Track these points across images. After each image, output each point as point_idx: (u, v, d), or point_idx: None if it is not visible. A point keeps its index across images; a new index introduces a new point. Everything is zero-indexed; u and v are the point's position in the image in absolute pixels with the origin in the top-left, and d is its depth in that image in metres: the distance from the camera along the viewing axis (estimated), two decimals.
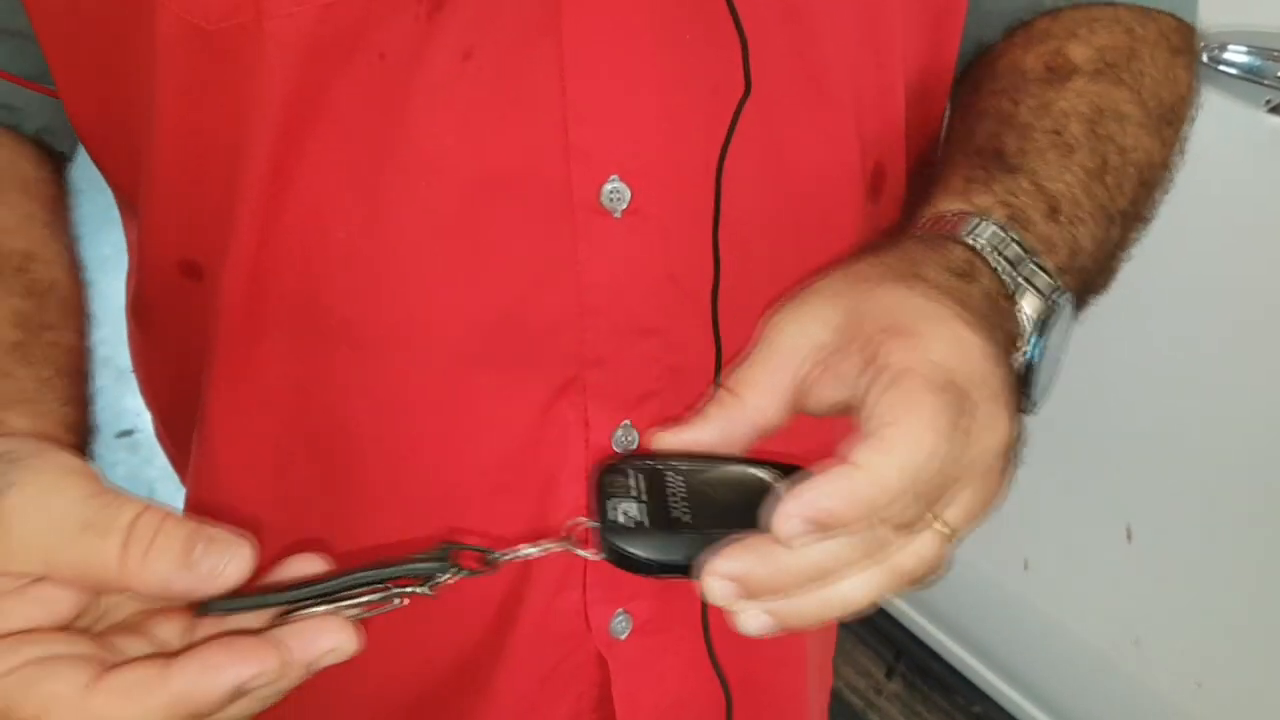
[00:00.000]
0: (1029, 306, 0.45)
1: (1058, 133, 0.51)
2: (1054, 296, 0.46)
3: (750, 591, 0.37)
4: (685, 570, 0.38)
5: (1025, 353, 0.45)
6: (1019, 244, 0.46)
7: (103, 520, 0.35)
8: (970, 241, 0.45)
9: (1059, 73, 0.54)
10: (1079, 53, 0.55)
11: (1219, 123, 1.00)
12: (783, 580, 0.37)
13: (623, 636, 0.57)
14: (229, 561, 0.36)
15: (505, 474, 0.52)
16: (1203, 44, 1.01)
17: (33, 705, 0.34)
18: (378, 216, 0.48)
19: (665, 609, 0.57)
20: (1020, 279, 0.45)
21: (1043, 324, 0.45)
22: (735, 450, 0.41)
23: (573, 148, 0.47)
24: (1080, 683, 1.33)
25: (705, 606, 0.56)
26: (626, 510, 0.39)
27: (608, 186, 0.48)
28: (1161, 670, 1.22)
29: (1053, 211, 0.48)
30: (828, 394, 0.40)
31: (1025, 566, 1.32)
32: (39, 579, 0.36)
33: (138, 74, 0.48)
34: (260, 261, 0.49)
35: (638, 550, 0.38)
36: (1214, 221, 1.03)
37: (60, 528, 0.35)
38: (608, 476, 0.41)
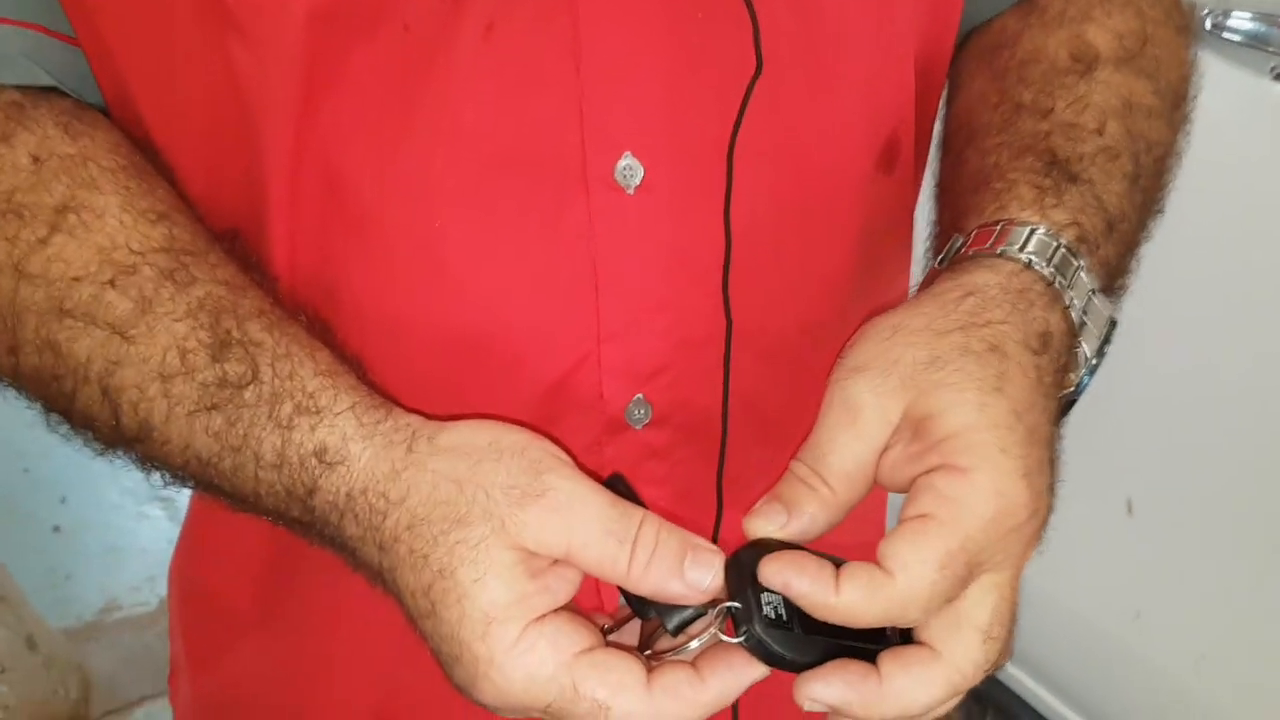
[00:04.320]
0: (1088, 346, 0.48)
1: (1099, 132, 0.52)
2: (1110, 331, 0.48)
3: (838, 714, 0.42)
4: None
5: (1075, 388, 0.48)
6: (1083, 271, 0.48)
7: (620, 529, 0.42)
8: (1046, 274, 0.47)
9: (1084, 61, 0.55)
10: (1100, 39, 0.55)
11: (1224, 91, 1.00)
12: (871, 715, 0.42)
13: None
14: (710, 575, 0.42)
15: None
16: (1206, 11, 1.01)
17: (605, 688, 0.40)
18: (394, 189, 0.48)
19: None
20: (1086, 319, 0.47)
21: (1095, 364, 0.48)
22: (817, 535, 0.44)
23: (587, 124, 0.47)
24: (1080, 656, 1.33)
25: None
26: (775, 606, 0.42)
27: (621, 163, 0.48)
28: (1162, 644, 1.23)
29: (1109, 230, 0.50)
30: (890, 484, 0.44)
31: None
32: (561, 560, 0.42)
33: (163, 41, 0.48)
34: (287, 233, 0.50)
35: (785, 650, 0.42)
36: (1219, 191, 1.01)
37: (587, 528, 0.41)
38: (753, 567, 0.43)
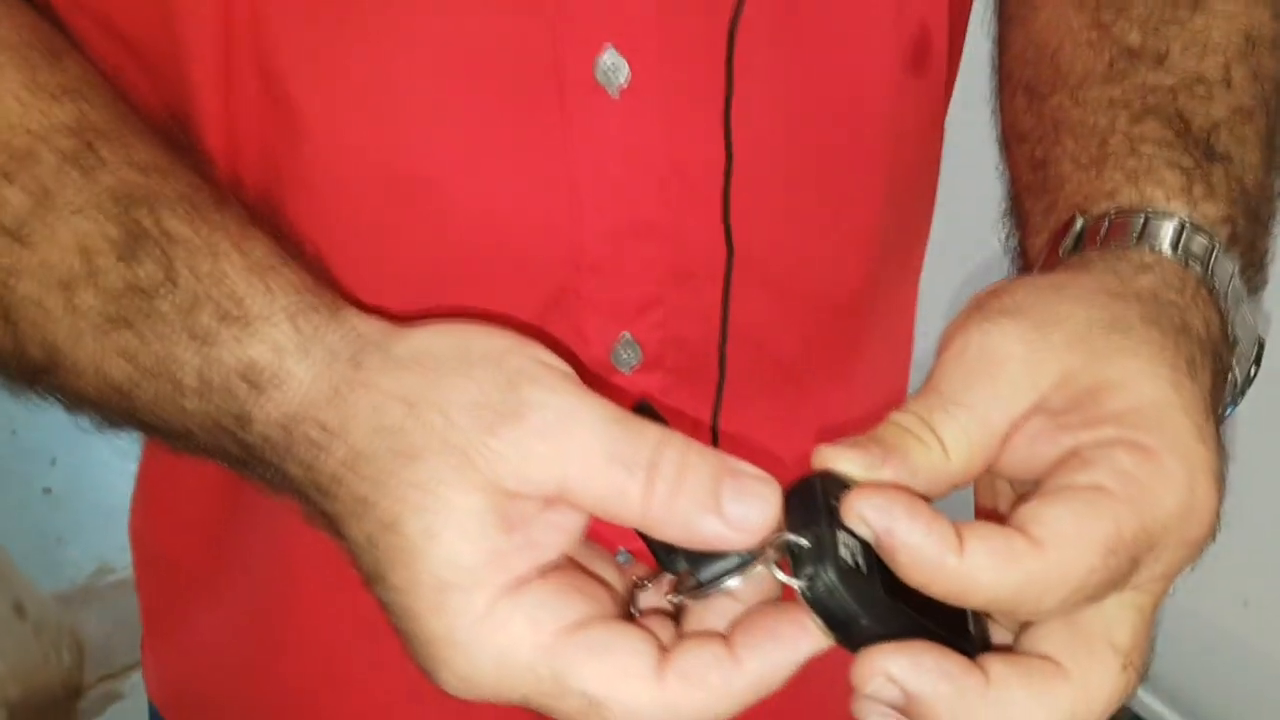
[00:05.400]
0: (1239, 368, 0.40)
1: (1227, 84, 0.44)
2: (1260, 352, 0.41)
3: (907, 713, 0.32)
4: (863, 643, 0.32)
5: (1226, 410, 0.39)
6: (1236, 279, 0.40)
7: (630, 452, 0.32)
8: (1214, 290, 0.39)
9: None
10: None
11: None
12: None
13: None
14: (759, 509, 0.32)
15: None
16: None
17: (599, 679, 0.32)
18: (343, 100, 0.43)
19: None
20: (1238, 334, 0.40)
21: (1244, 388, 0.41)
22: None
23: (561, 12, 0.42)
24: (1185, 648, 1.28)
25: None
26: (854, 553, 0.32)
27: (602, 59, 0.43)
28: (1273, 633, 1.17)
29: (1254, 218, 0.42)
30: (1015, 464, 0.34)
31: None
32: (553, 501, 0.33)
33: None
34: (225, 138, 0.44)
35: (861, 610, 0.31)
36: None
37: (585, 456, 0.32)
38: (831, 496, 0.33)
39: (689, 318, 0.47)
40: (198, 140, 0.44)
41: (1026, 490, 0.34)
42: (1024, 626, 0.34)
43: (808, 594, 0.32)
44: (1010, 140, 0.50)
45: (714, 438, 0.50)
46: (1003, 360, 0.34)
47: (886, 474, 0.32)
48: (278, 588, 0.55)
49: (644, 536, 0.33)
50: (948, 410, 0.33)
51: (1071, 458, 0.33)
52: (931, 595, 0.31)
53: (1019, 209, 0.47)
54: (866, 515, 0.31)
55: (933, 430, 0.33)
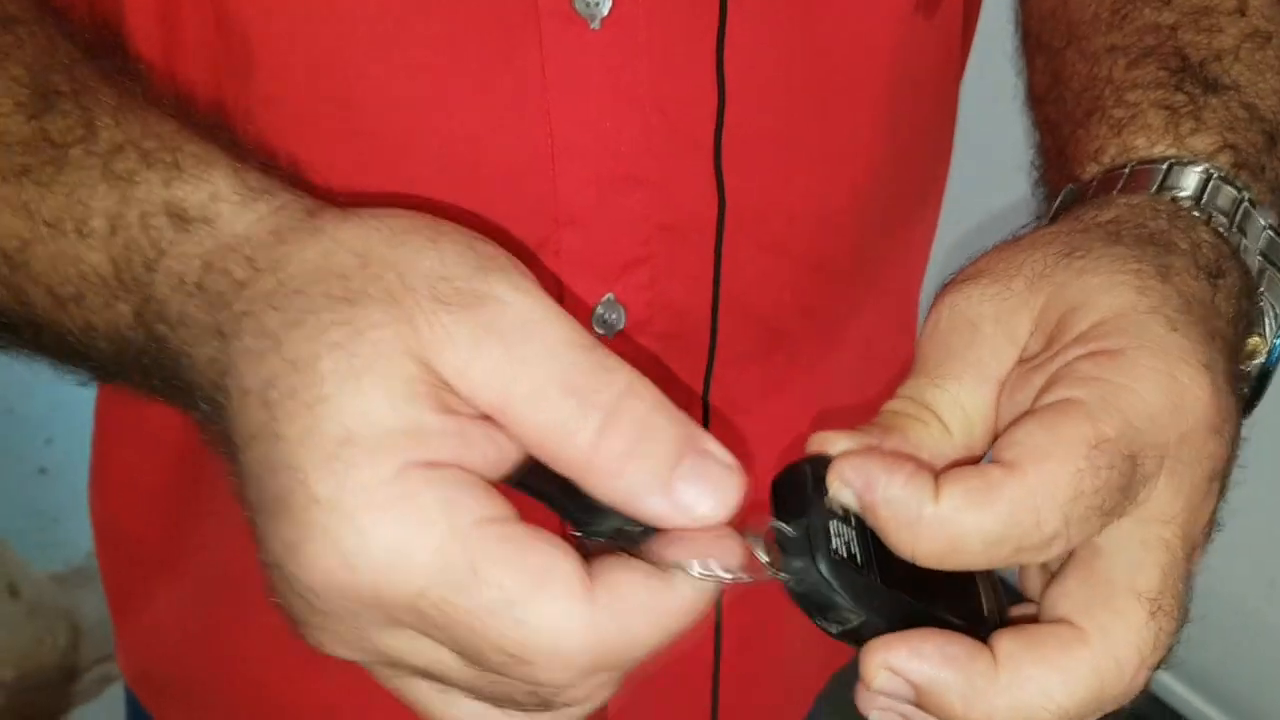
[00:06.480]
0: (1276, 299, 0.36)
1: (1240, 11, 0.42)
2: None
3: (920, 705, 0.30)
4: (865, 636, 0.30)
5: (1265, 358, 0.37)
6: (1250, 204, 0.37)
7: (588, 388, 0.27)
8: (1212, 218, 0.36)
9: None
10: None
11: None
12: (974, 712, 0.29)
13: None
14: (713, 500, 0.27)
15: None
16: None
17: (522, 576, 0.26)
18: (296, 29, 0.39)
19: None
20: (1268, 264, 0.37)
21: None
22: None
23: None
24: (1210, 630, 1.28)
25: None
26: (847, 542, 0.30)
27: None
28: None
29: (1272, 143, 0.39)
30: (1005, 420, 0.32)
31: None
32: (486, 419, 0.28)
33: None
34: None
35: (854, 600, 0.29)
36: None
37: (540, 372, 0.27)
38: (819, 477, 0.31)
39: (678, 276, 0.44)
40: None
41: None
42: (1046, 588, 0.31)
43: (796, 588, 0.29)
44: (1030, 103, 0.47)
45: (705, 410, 0.47)
46: (975, 323, 0.33)
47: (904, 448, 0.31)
48: (238, 564, 0.51)
49: (557, 481, 0.29)
50: (937, 385, 0.32)
51: (1041, 393, 0.31)
52: (925, 564, 0.29)
53: (1046, 181, 0.45)
54: (846, 474, 0.29)
55: (927, 407, 0.32)
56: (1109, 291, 0.31)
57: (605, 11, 0.39)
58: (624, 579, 0.27)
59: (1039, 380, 0.31)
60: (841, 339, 0.50)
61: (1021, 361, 0.32)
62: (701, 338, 0.45)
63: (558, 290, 0.43)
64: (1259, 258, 0.36)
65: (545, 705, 0.28)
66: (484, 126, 0.40)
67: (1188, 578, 0.31)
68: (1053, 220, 0.38)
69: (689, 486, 0.27)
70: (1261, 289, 0.36)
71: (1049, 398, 0.30)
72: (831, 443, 0.31)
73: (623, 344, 0.45)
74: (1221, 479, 0.31)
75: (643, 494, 0.27)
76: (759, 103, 0.43)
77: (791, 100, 0.44)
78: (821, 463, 0.30)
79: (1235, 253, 0.36)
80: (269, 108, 0.40)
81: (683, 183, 0.43)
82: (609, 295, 0.44)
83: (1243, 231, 0.36)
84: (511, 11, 0.39)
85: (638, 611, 0.27)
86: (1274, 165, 0.39)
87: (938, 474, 0.29)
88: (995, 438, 0.31)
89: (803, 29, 0.43)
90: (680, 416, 0.28)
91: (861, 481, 0.29)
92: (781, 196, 0.45)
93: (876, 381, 0.53)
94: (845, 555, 0.29)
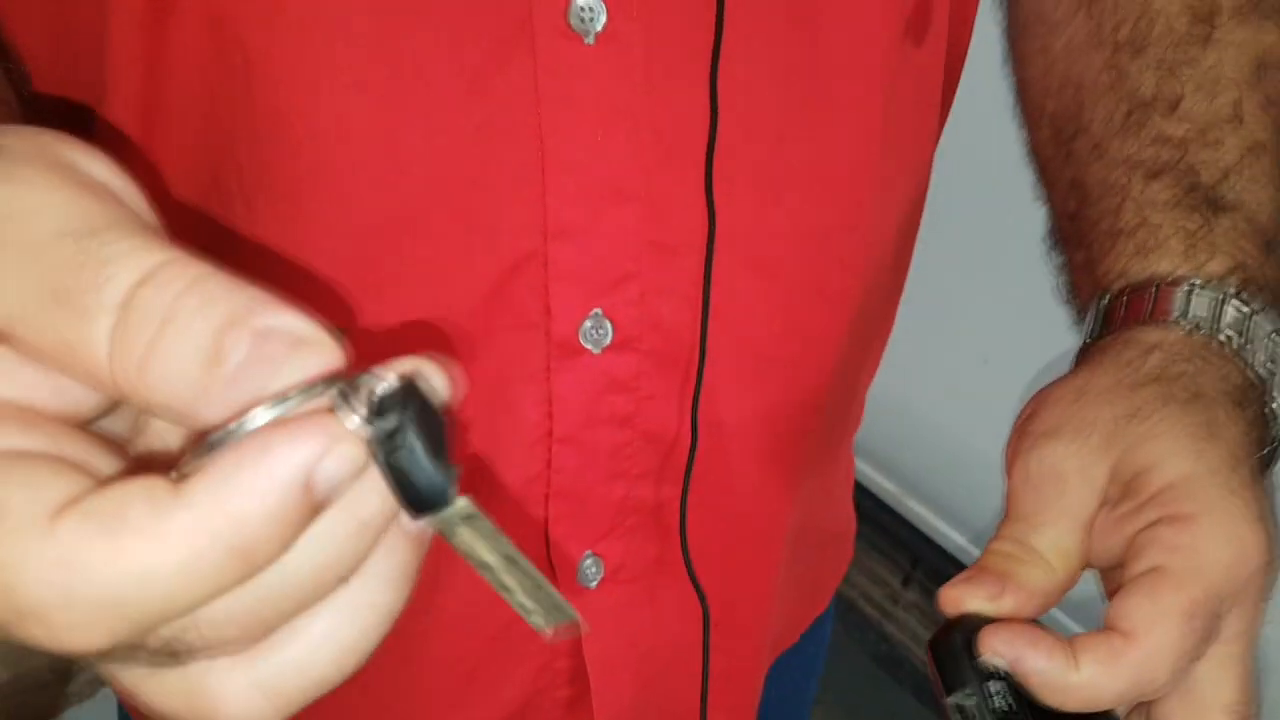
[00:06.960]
0: None
1: (1238, 119, 0.46)
2: None
3: None
4: None
5: (1276, 443, 0.43)
6: (1258, 316, 0.43)
7: (82, 285, 0.21)
8: (1222, 337, 0.42)
9: (1204, 19, 0.48)
10: None
11: None
12: None
13: (592, 585, 0.48)
14: (287, 369, 0.21)
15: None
16: None
17: None
18: (283, 37, 0.38)
19: (638, 552, 0.49)
20: (1275, 366, 0.43)
21: None
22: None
23: None
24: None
25: (684, 537, 0.48)
26: (1002, 695, 0.37)
27: (577, 0, 0.38)
28: None
29: (1268, 252, 0.45)
30: (1097, 557, 0.39)
31: None
32: None
33: None
34: (152, 99, 0.40)
35: None
36: None
37: (23, 291, 0.21)
38: (970, 645, 0.37)
39: (667, 293, 0.43)
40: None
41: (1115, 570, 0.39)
42: (1150, 707, 0.38)
43: None
44: (1039, 162, 0.53)
45: (693, 430, 0.46)
46: (1062, 477, 0.38)
47: (1009, 601, 0.37)
48: None
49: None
50: (1037, 531, 0.38)
51: (1131, 547, 0.37)
52: (1070, 710, 0.35)
53: (1060, 249, 0.51)
54: (999, 649, 0.36)
55: (1032, 550, 0.38)
56: (1173, 457, 0.37)
57: (600, 27, 0.39)
58: (114, 497, 0.20)
59: (1127, 531, 0.37)
60: (826, 365, 0.49)
61: (1105, 505, 0.38)
62: (690, 357, 0.44)
63: (545, 304, 0.42)
64: (1267, 363, 0.42)
65: None
66: (475, 137, 0.39)
67: (1253, 680, 0.38)
68: (1092, 334, 0.45)
69: (251, 369, 0.20)
70: (1272, 389, 0.42)
71: (1142, 564, 0.36)
72: (964, 601, 0.37)
73: (610, 360, 0.44)
74: (1267, 595, 0.38)
75: (186, 394, 0.21)
76: (751, 123, 0.42)
77: (783, 122, 0.43)
78: (967, 628, 0.37)
79: (1248, 369, 0.42)
80: (264, 121, 0.39)
81: (673, 200, 0.42)
82: (596, 310, 0.43)
83: (1250, 340, 0.42)
84: (506, 25, 0.38)
85: (124, 526, 0.20)
86: (1268, 270, 0.44)
87: (1072, 643, 0.35)
88: (1083, 568, 0.38)
89: (797, 51, 0.42)
90: (232, 284, 0.21)
91: (1013, 655, 0.35)
92: (774, 215, 0.44)
93: (853, 399, 0.55)
94: (1006, 707, 0.36)
